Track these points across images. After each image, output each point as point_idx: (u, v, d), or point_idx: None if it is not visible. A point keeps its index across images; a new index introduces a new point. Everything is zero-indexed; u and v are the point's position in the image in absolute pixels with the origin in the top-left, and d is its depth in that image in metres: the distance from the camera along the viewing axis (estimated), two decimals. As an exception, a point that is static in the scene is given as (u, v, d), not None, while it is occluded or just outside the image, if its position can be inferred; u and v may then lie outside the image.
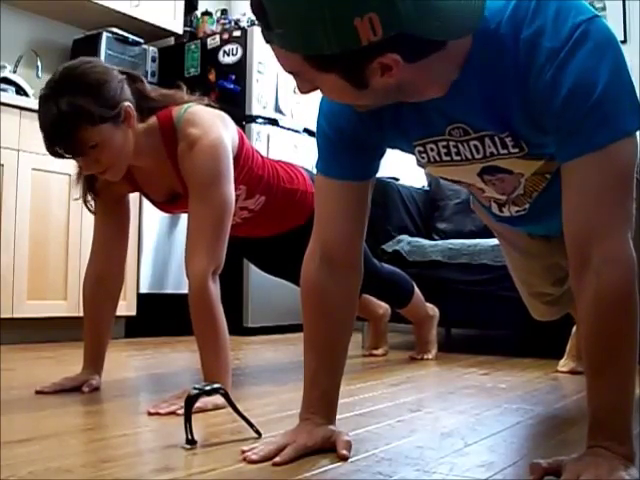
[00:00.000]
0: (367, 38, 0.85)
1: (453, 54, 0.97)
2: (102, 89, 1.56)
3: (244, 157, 1.84)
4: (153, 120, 1.69)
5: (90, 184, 1.80)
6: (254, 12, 0.92)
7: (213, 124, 1.68)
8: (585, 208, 0.97)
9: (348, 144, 1.16)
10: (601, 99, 0.93)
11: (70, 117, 1.51)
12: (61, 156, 1.58)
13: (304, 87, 0.99)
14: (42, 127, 1.55)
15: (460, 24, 0.91)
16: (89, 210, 1.83)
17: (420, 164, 1.22)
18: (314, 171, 1.26)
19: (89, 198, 1.81)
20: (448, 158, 1.16)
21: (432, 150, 1.15)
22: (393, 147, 1.21)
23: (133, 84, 1.67)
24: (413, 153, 1.19)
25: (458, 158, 1.15)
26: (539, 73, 0.96)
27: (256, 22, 0.98)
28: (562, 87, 0.94)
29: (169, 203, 1.84)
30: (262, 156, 2.00)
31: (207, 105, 1.77)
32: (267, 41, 0.93)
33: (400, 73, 0.92)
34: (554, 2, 0.96)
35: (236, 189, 1.72)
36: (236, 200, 1.74)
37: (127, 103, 1.61)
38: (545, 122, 0.99)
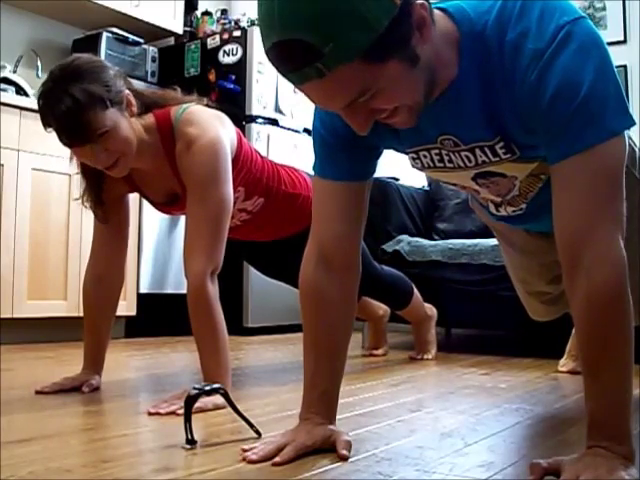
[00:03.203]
0: None
1: (448, 35, 0.98)
2: (104, 75, 1.57)
3: (243, 158, 1.83)
4: (151, 119, 1.68)
5: (97, 193, 1.78)
6: (297, 60, 0.84)
7: (211, 123, 1.68)
8: (574, 209, 0.97)
9: (344, 145, 1.17)
10: (587, 99, 0.93)
11: (84, 103, 1.51)
12: (72, 145, 1.57)
13: (360, 119, 0.94)
14: (54, 118, 1.53)
15: None
16: (99, 219, 1.81)
17: (415, 167, 1.23)
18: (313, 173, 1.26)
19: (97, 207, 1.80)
20: (441, 165, 1.16)
21: (425, 157, 1.16)
22: (389, 148, 1.21)
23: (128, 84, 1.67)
24: (407, 154, 1.19)
25: (451, 165, 1.15)
26: (524, 75, 0.96)
27: (293, 81, 0.90)
28: (547, 88, 0.94)
29: (168, 204, 1.84)
30: (262, 157, 1.98)
31: (206, 105, 1.77)
32: (320, 76, 0.85)
33: (430, 32, 0.92)
34: (539, 3, 0.96)
35: (234, 190, 1.71)
36: (234, 201, 1.73)
37: (127, 91, 1.62)
38: (533, 124, 1.00)
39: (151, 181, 1.79)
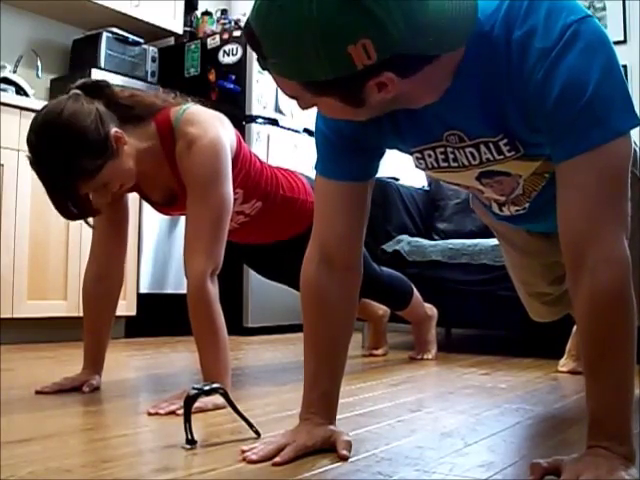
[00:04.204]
0: (362, 63, 0.86)
1: (447, 62, 0.97)
2: (87, 138, 1.52)
3: (242, 160, 1.83)
4: (152, 127, 1.68)
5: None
6: (248, 42, 0.94)
7: (212, 124, 1.68)
8: (579, 208, 0.97)
9: (347, 145, 1.17)
10: (592, 99, 0.93)
11: (70, 179, 1.52)
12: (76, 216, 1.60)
13: (303, 105, 1.01)
14: (47, 192, 1.55)
15: (453, 37, 0.92)
16: (87, 223, 1.79)
17: (418, 167, 1.22)
18: (314, 172, 1.26)
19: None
20: (445, 164, 1.16)
21: (430, 157, 1.16)
22: (392, 147, 1.21)
23: (104, 94, 1.61)
24: (411, 154, 1.19)
25: (455, 164, 1.15)
26: (530, 74, 0.96)
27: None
28: (553, 87, 0.94)
29: (167, 205, 1.84)
30: (261, 161, 1.98)
31: (200, 103, 1.77)
32: (263, 68, 0.95)
33: (396, 89, 0.93)
34: (546, 2, 0.96)
35: (233, 192, 1.71)
36: (233, 204, 1.73)
37: (113, 130, 1.57)
38: (538, 122, 1.00)
39: (150, 181, 1.78)
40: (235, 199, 1.80)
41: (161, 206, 1.87)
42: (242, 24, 3.93)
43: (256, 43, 0.91)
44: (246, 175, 1.86)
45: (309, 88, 0.93)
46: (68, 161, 1.50)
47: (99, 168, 1.54)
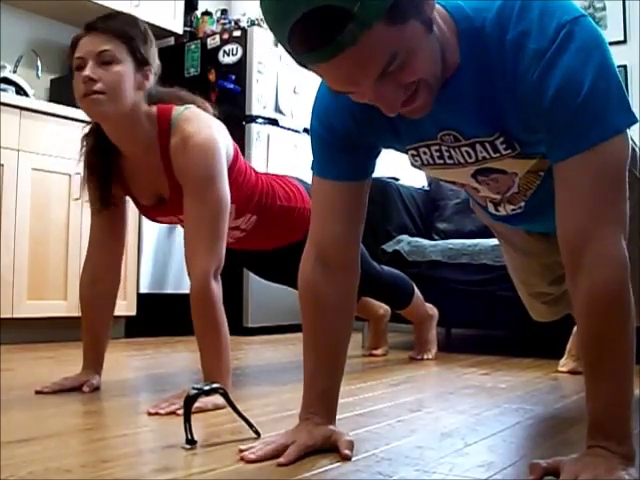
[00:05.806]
0: None
1: (447, 28, 0.98)
2: (147, 40, 1.69)
3: (237, 171, 1.82)
4: (153, 110, 1.70)
5: (105, 192, 1.78)
6: (321, 30, 0.83)
7: (208, 125, 1.69)
8: (577, 208, 0.97)
9: (342, 144, 1.16)
10: (588, 98, 0.94)
11: (113, 24, 1.72)
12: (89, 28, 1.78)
13: (390, 93, 0.93)
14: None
15: None
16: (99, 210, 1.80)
17: (414, 165, 1.22)
18: (311, 173, 1.25)
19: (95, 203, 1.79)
20: (441, 161, 1.16)
21: (425, 154, 1.16)
22: (388, 147, 1.21)
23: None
24: (407, 152, 1.19)
25: (451, 162, 1.15)
26: (525, 74, 0.96)
27: (310, 53, 0.85)
28: (549, 88, 0.95)
29: (155, 206, 1.81)
30: (257, 173, 1.98)
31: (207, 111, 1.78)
32: (352, 42, 0.84)
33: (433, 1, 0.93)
34: (539, 1, 0.97)
35: None
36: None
37: (149, 69, 1.68)
38: (535, 122, 1.00)
39: (140, 179, 1.77)
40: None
41: (149, 208, 1.85)
42: (242, 24, 3.93)
43: (338, 15, 0.82)
44: (238, 189, 1.83)
45: (393, 18, 0.85)
46: (126, 26, 1.72)
47: (129, 45, 1.66)
